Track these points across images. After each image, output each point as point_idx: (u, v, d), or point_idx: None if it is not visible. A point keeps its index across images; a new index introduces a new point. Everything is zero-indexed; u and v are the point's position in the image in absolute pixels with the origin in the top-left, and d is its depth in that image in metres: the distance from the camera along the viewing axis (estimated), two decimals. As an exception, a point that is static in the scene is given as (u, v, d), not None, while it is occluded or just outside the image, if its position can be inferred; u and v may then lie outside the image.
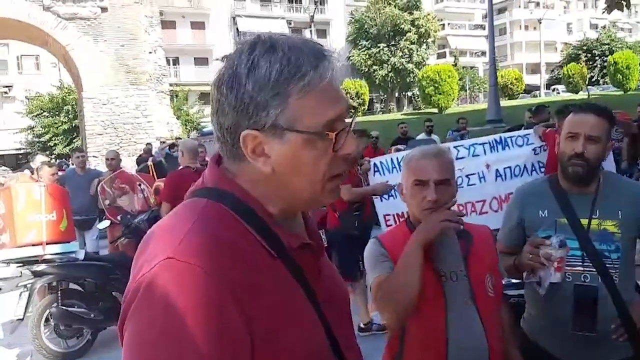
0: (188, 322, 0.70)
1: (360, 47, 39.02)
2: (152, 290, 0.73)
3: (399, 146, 8.22)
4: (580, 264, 1.87)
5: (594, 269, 1.85)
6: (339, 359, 0.88)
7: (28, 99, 29.11)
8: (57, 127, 26.60)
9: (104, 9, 17.01)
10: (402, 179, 1.81)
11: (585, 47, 43.60)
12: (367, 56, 38.34)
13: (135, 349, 0.73)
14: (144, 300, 0.73)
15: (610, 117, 1.94)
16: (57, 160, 19.56)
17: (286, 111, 0.79)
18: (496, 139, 5.69)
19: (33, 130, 28.61)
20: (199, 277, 0.72)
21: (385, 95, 41.13)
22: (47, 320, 4.63)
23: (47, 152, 25.10)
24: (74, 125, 25.13)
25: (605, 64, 36.72)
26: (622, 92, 30.90)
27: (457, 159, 5.37)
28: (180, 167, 4.96)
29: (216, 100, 0.83)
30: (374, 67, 38.28)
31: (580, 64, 39.99)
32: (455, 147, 5.63)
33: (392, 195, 4.92)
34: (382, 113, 37.78)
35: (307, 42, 0.84)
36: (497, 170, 5.49)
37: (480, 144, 5.63)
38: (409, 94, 42.76)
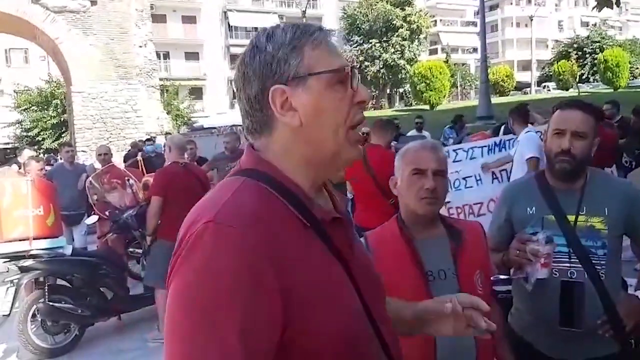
0: (225, 279, 0.76)
1: (352, 42, 39.01)
2: (194, 251, 0.79)
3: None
4: (567, 260, 1.87)
5: (581, 265, 1.85)
6: (374, 330, 0.92)
7: (16, 93, 28.72)
8: (46, 122, 26.31)
9: (93, 2, 16.87)
10: (397, 171, 1.80)
11: (575, 45, 43.86)
12: (359, 52, 38.31)
13: (178, 302, 0.79)
14: (186, 259, 0.79)
15: (596, 113, 1.95)
16: (46, 155, 19.39)
17: (304, 61, 0.90)
18: (495, 142, 5.72)
19: (21, 125, 28.27)
20: (236, 238, 0.78)
21: (377, 92, 41.14)
22: (34, 316, 4.59)
23: (35, 147, 24.74)
24: (62, 119, 24.90)
25: (596, 61, 36.93)
26: (612, 90, 31.13)
27: (454, 161, 5.39)
28: (168, 162, 4.91)
29: (241, 76, 0.94)
30: (366, 63, 38.26)
31: (571, 61, 40.24)
32: (454, 150, 5.64)
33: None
34: (374, 109, 37.79)
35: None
36: (493, 172, 5.51)
37: (478, 147, 5.65)
38: (401, 90, 42.80)
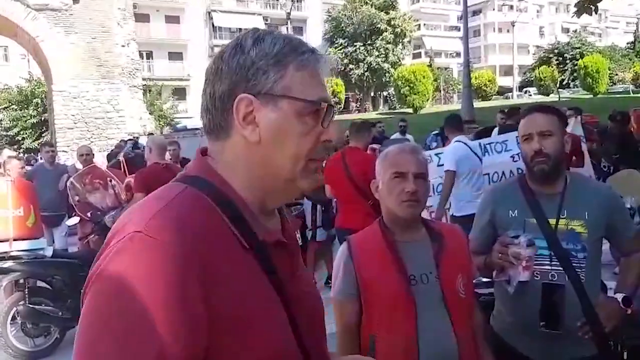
0: (149, 295, 0.71)
1: (336, 45, 39.08)
2: (118, 262, 0.74)
3: (374, 145, 8.24)
4: (548, 262, 1.91)
5: (562, 268, 1.89)
6: None
7: (-5, 91, 28.30)
8: (26, 121, 25.89)
9: (75, 0, 16.65)
10: (378, 175, 1.80)
11: (556, 51, 44.59)
12: (344, 55, 38.39)
13: (94, 315, 0.74)
14: (109, 266, 0.74)
15: (558, 113, 2.02)
16: (25, 155, 19.07)
17: (284, 79, 0.84)
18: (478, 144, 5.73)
19: (0, 124, 27.83)
20: (164, 252, 0.73)
21: (361, 95, 41.29)
22: (13, 318, 4.52)
23: (15, 147, 24.42)
24: (43, 118, 24.53)
25: (576, 67, 37.54)
26: (592, 96, 31.67)
27: (438, 166, 5.40)
28: (149, 163, 4.87)
29: (215, 69, 0.87)
30: (350, 66, 38.38)
31: (552, 67, 40.91)
32: (436, 154, 5.65)
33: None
34: (358, 112, 37.93)
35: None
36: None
37: None
38: (385, 93, 43.01)
